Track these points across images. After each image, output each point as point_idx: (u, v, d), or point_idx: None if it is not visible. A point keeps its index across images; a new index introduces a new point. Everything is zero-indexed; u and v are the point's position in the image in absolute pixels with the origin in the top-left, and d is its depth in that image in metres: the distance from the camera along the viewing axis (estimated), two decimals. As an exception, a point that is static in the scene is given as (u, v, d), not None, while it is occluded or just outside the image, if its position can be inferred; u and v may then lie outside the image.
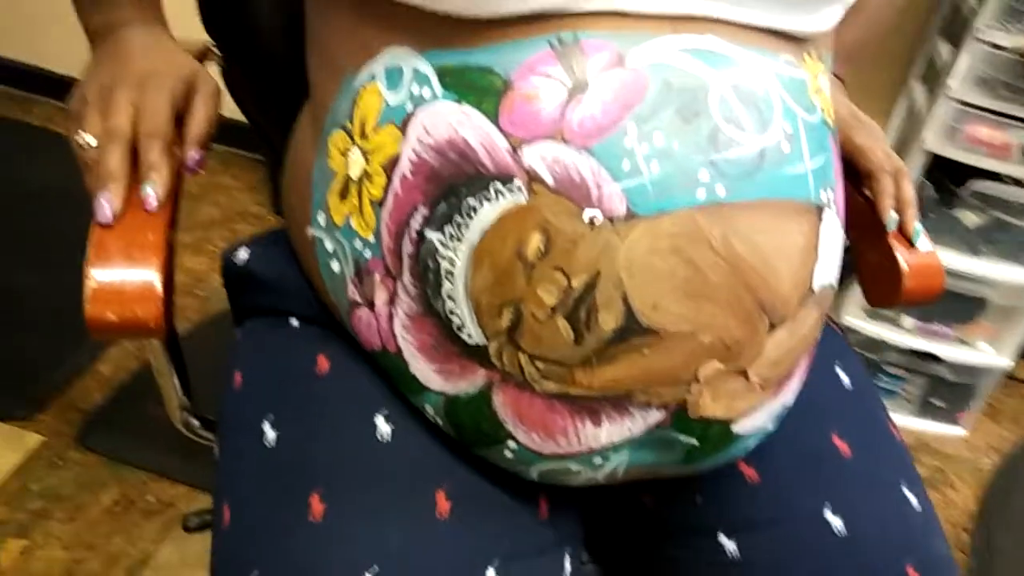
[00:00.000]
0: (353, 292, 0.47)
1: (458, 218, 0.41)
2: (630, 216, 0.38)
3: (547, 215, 0.39)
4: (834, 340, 0.62)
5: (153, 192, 0.48)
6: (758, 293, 0.41)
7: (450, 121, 0.40)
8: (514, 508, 0.49)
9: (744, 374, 0.43)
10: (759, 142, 0.40)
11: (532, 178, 0.39)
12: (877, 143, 0.62)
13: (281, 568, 0.44)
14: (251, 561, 0.45)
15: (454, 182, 0.40)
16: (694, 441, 0.45)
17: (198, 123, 0.53)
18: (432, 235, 0.41)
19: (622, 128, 0.38)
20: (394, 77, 0.42)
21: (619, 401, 0.42)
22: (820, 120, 0.44)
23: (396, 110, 0.42)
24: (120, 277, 0.46)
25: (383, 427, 0.48)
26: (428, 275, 0.42)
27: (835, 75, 0.68)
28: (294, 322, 0.54)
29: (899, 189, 0.61)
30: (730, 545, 0.53)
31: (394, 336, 0.45)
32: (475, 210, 0.40)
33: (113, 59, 0.54)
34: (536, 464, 0.46)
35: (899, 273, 0.61)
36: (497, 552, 0.46)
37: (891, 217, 0.61)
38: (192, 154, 0.52)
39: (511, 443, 0.45)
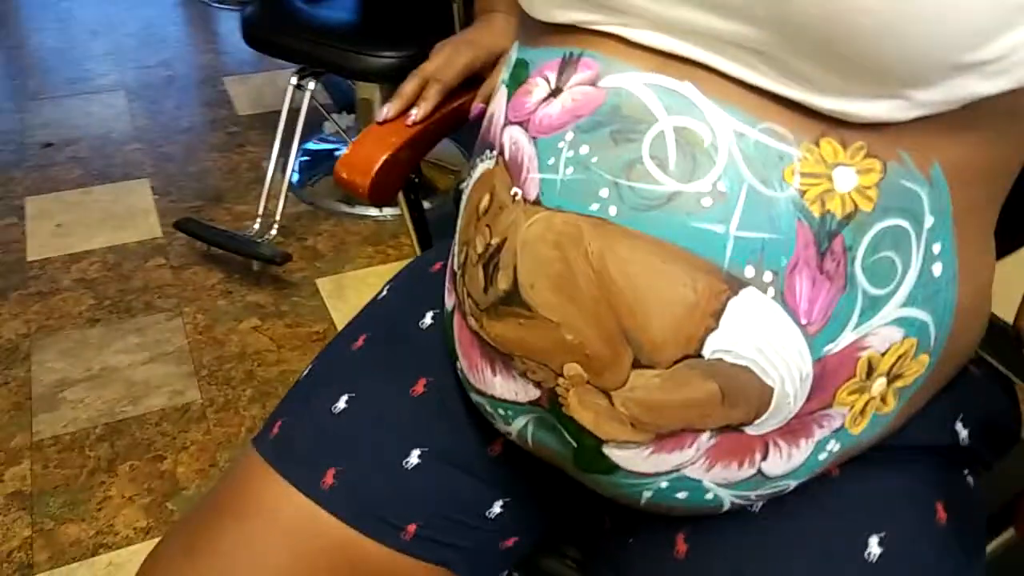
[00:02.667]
0: None
1: (472, 170, 0.52)
2: (537, 203, 0.45)
3: (495, 182, 0.48)
4: (903, 506, 0.51)
5: (413, 114, 0.70)
6: (622, 320, 0.43)
7: (498, 98, 0.52)
8: (469, 428, 0.58)
9: (608, 396, 0.45)
10: (676, 186, 0.41)
11: (500, 151, 0.48)
12: None
13: (311, 371, 0.63)
14: (314, 360, 0.65)
15: (479, 145, 0.52)
16: (572, 441, 0.48)
17: (488, 84, 0.72)
18: (465, 180, 0.54)
19: (563, 132, 0.45)
20: (507, 60, 0.55)
21: (506, 361, 0.49)
22: (787, 199, 0.41)
23: (497, 85, 0.55)
24: (357, 153, 0.70)
25: (428, 319, 0.63)
26: (459, 210, 0.55)
27: None
28: None
29: None
30: None
31: None
32: (476, 167, 0.51)
33: (465, 31, 0.76)
34: (470, 392, 0.55)
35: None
36: (433, 443, 0.57)
37: None
38: (475, 104, 0.72)
39: (459, 363, 0.55)
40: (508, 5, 0.78)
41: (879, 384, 0.46)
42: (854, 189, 0.42)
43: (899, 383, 0.47)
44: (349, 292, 1.76)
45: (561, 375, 0.46)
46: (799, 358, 0.43)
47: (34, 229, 1.91)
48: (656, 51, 0.43)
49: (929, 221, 0.44)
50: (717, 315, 0.42)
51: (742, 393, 0.43)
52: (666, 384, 0.43)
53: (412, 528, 0.56)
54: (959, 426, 0.56)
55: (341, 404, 0.59)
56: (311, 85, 1.82)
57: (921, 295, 0.45)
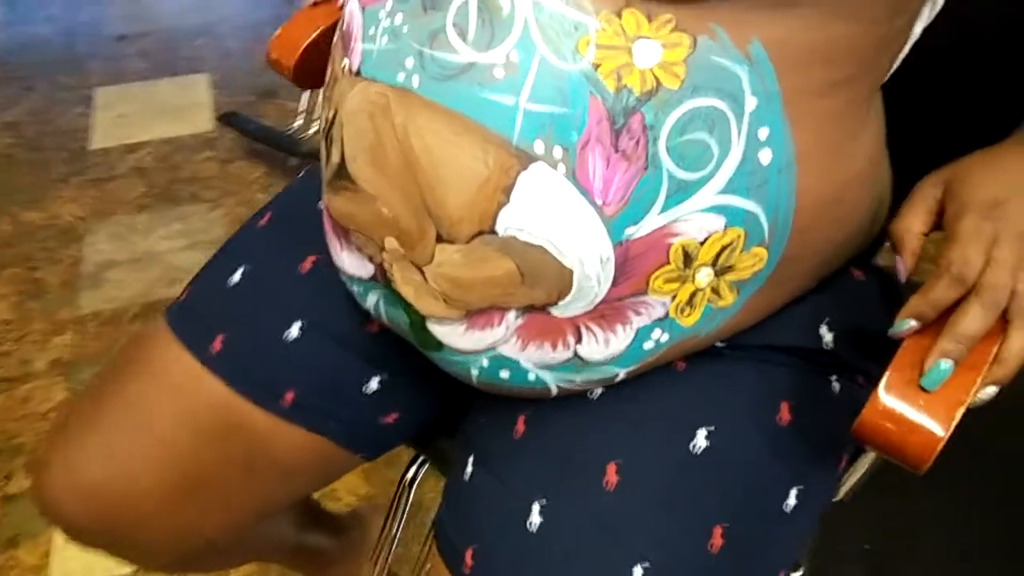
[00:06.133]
0: None
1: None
2: (358, 74, 0.45)
3: (336, 54, 0.48)
4: (741, 405, 0.50)
5: None
6: (424, 194, 0.43)
7: None
8: (349, 306, 0.59)
9: (421, 271, 0.45)
10: (472, 56, 0.40)
11: (342, 23, 0.48)
12: (980, 243, 0.43)
13: (223, 246, 0.66)
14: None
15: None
16: (406, 317, 0.49)
17: None
18: None
19: (384, 1, 0.44)
20: None
21: (347, 235, 0.50)
22: (578, 72, 0.39)
23: None
24: (286, 33, 0.70)
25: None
26: None
27: None
28: None
29: (960, 309, 0.43)
30: (469, 469, 0.54)
31: None
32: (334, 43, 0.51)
33: None
34: (337, 267, 0.56)
35: (863, 401, 0.44)
36: (312, 317, 0.60)
37: (900, 321, 0.44)
38: None
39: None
40: None
41: (705, 275, 0.45)
42: (657, 64, 0.40)
43: (732, 276, 0.46)
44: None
45: (384, 249, 0.47)
46: (597, 239, 0.42)
47: (100, 119, 2.01)
48: None
49: (751, 103, 0.41)
50: (508, 190, 0.41)
51: (540, 272, 0.43)
52: (467, 260, 0.44)
53: (290, 396, 0.59)
54: (823, 329, 0.53)
55: (236, 277, 0.62)
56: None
57: (745, 183, 0.42)
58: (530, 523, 0.48)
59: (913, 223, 0.47)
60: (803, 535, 0.52)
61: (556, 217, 0.41)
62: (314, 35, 0.69)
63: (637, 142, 0.40)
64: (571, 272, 0.43)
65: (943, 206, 0.47)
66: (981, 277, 0.42)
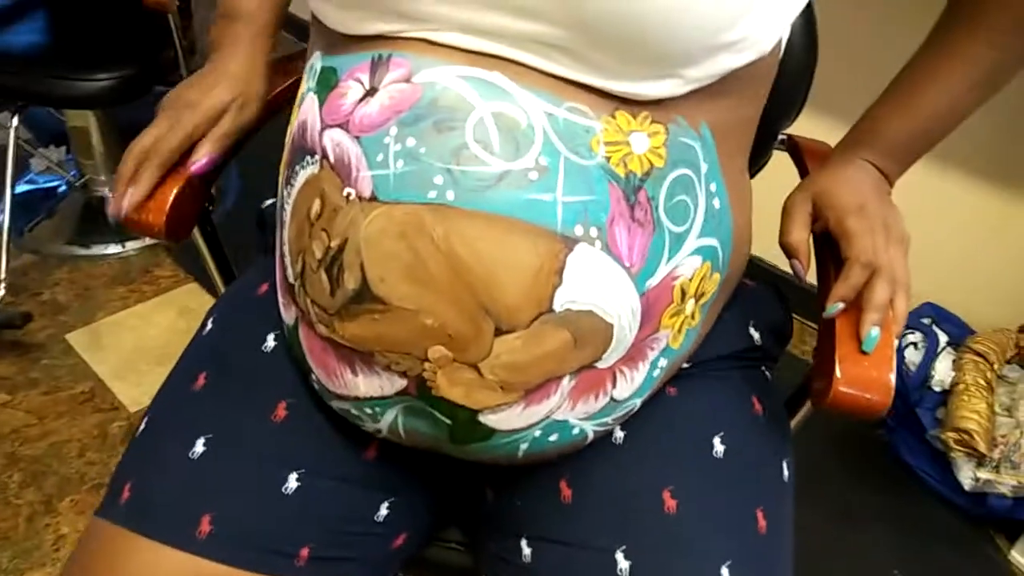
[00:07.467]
0: None
1: (292, 179, 0.52)
2: (373, 199, 0.47)
3: (324, 186, 0.49)
4: (730, 408, 0.61)
5: (124, 206, 0.61)
6: (478, 294, 0.46)
7: (306, 106, 0.52)
8: (339, 439, 0.58)
9: (476, 369, 0.48)
10: (503, 165, 0.46)
11: (323, 155, 0.49)
12: (870, 236, 0.58)
13: (150, 423, 0.60)
14: (149, 410, 0.61)
15: (295, 154, 0.52)
16: (447, 420, 0.51)
17: (210, 139, 0.64)
18: (283, 191, 0.54)
19: (386, 128, 0.47)
20: (310, 70, 0.55)
21: (367, 358, 0.50)
22: (597, 165, 0.47)
23: (303, 94, 0.55)
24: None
25: (270, 342, 0.61)
26: (279, 223, 0.55)
27: (873, 164, 0.64)
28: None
29: (869, 287, 0.57)
30: (526, 550, 0.57)
31: (278, 272, 0.58)
32: (297, 175, 0.52)
33: (190, 81, 0.66)
34: (331, 400, 0.55)
35: (831, 375, 0.56)
36: (307, 463, 0.57)
37: (831, 306, 0.57)
38: (198, 160, 0.64)
39: (313, 375, 0.55)
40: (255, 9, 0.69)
41: (691, 305, 0.54)
42: (648, 150, 0.49)
43: (703, 300, 0.56)
44: (108, 340, 1.61)
45: (426, 359, 0.48)
46: (628, 295, 0.49)
47: None
48: (463, 49, 0.47)
49: (704, 168, 0.52)
50: (560, 272, 0.47)
51: (589, 335, 0.49)
52: (527, 343, 0.48)
53: (305, 552, 0.56)
54: (752, 330, 0.66)
55: (199, 448, 0.56)
56: (13, 121, 1.62)
57: (710, 226, 0.53)
58: (620, 570, 0.52)
59: (801, 234, 0.61)
60: (793, 498, 0.63)
61: (598, 283, 0.48)
62: (175, 192, 0.64)
63: (646, 211, 0.49)
64: (612, 327, 0.49)
65: (816, 216, 0.62)
66: (876, 260, 0.57)
